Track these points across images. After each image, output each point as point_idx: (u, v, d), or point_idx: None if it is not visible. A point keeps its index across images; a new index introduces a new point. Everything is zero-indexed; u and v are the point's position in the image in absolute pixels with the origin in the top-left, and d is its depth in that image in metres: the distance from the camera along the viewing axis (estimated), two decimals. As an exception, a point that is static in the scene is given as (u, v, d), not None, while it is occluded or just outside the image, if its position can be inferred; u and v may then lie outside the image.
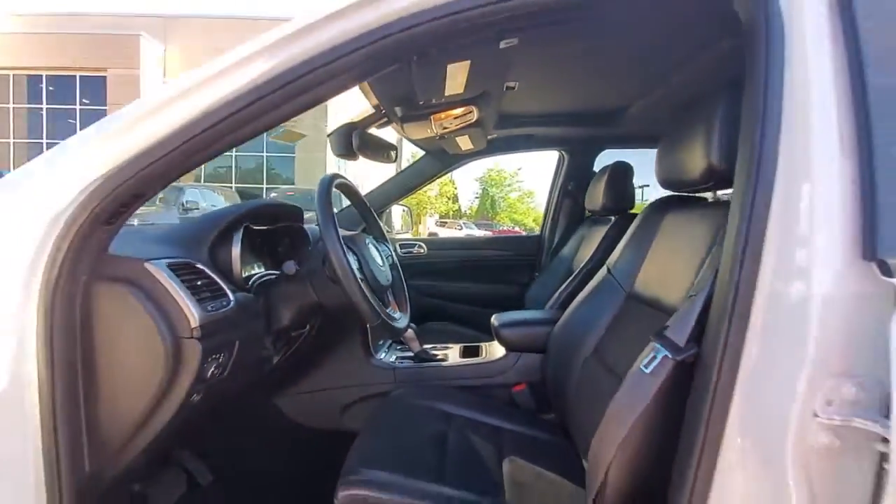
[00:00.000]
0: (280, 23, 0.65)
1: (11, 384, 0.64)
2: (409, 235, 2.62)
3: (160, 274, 0.74)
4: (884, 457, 0.48)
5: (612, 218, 1.76)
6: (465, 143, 1.87)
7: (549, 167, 2.54)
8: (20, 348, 0.64)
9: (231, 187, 13.33)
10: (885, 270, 0.48)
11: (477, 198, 33.87)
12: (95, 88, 15.02)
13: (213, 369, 0.80)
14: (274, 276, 1.10)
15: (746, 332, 0.56)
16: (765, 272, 0.56)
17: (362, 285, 0.98)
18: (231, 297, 0.86)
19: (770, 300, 0.55)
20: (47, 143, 14.13)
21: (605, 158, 2.33)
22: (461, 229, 20.69)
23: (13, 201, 0.66)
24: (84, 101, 15.46)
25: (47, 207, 0.65)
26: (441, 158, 2.15)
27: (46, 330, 0.65)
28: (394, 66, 0.74)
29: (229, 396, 0.98)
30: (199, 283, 0.81)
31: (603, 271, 1.29)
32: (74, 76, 15.18)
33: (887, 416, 0.47)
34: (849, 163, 0.53)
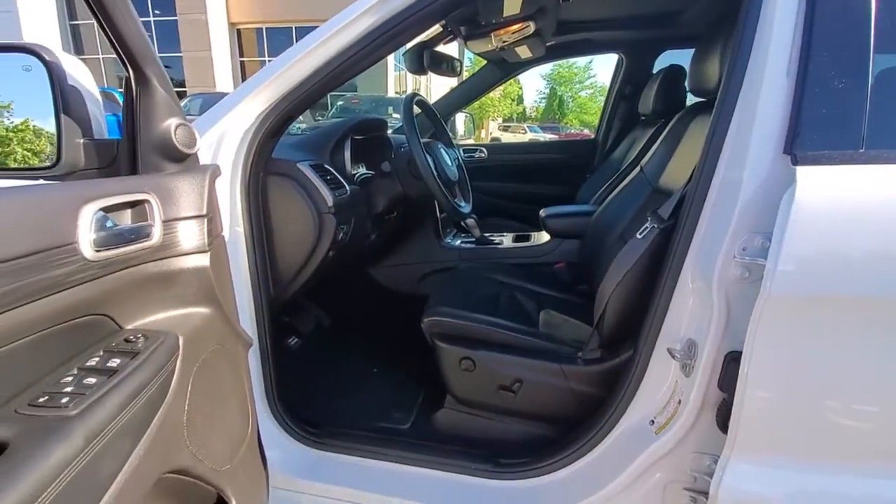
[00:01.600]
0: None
1: (231, 236, 1.05)
2: (472, 140, 2.84)
3: (307, 171, 1.10)
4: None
5: (663, 121, 1.87)
6: (524, 51, 2.01)
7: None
8: (234, 215, 1.04)
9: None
10: (794, 161, 0.71)
11: (543, 98, 31.67)
12: (163, -1, 15.28)
13: (341, 235, 1.19)
14: (371, 174, 1.45)
15: (702, 210, 0.82)
16: (721, 164, 0.80)
17: (437, 180, 1.31)
18: (347, 188, 1.22)
19: (721, 185, 0.80)
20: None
21: (667, 60, 2.33)
22: (525, 133, 19.91)
23: (221, 124, 1.01)
24: (156, 12, 15.87)
25: (240, 128, 1.00)
26: (502, 67, 2.29)
27: (245, 204, 1.04)
28: (462, 7, 0.97)
29: (346, 260, 1.40)
30: (328, 177, 1.17)
31: (637, 170, 1.50)
32: (143, -16, 15.47)
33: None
34: (789, 82, 0.73)
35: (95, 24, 0.61)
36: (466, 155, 2.59)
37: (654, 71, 2.30)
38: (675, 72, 1.78)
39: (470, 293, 1.38)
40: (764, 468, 0.74)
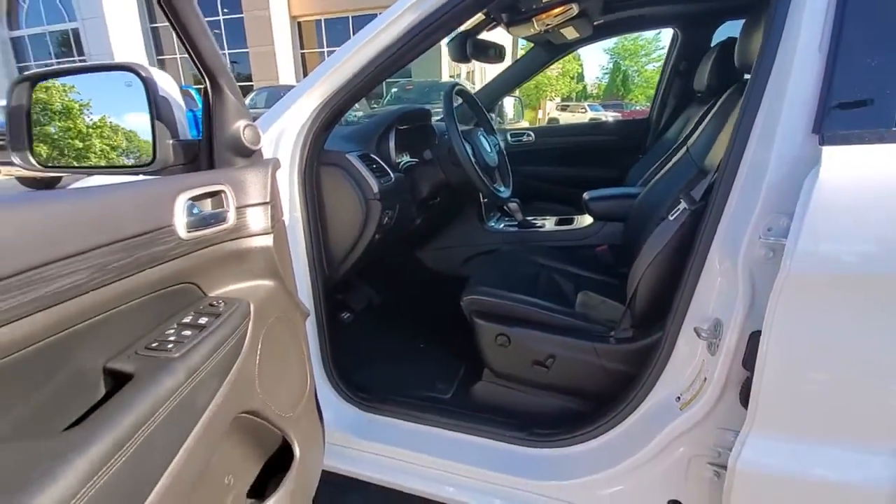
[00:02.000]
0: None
1: (289, 220, 1.18)
2: (526, 124, 2.84)
3: (356, 161, 1.21)
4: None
5: (717, 98, 1.80)
6: (570, 32, 1.99)
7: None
8: (292, 202, 1.17)
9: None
10: (822, 140, 0.71)
11: (606, 74, 30.17)
12: (230, -5, 16.11)
13: (386, 219, 1.30)
14: (415, 161, 1.54)
15: (731, 189, 0.83)
16: (751, 144, 0.80)
17: (476, 167, 1.37)
18: (392, 175, 1.32)
19: (751, 166, 0.80)
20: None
21: (727, 31, 2.21)
22: (585, 112, 19.10)
23: (281, 121, 1.14)
24: (224, 10, 16.80)
25: (296, 124, 1.12)
26: (548, 49, 2.28)
27: (302, 191, 1.16)
28: None
29: (392, 243, 1.51)
30: (374, 166, 1.27)
31: (683, 150, 1.48)
32: (210, -17, 16.37)
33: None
34: (821, 58, 0.72)
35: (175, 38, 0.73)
36: (514, 139, 2.61)
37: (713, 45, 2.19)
38: (731, 46, 1.69)
39: (509, 274, 1.45)
40: (782, 444, 0.76)
